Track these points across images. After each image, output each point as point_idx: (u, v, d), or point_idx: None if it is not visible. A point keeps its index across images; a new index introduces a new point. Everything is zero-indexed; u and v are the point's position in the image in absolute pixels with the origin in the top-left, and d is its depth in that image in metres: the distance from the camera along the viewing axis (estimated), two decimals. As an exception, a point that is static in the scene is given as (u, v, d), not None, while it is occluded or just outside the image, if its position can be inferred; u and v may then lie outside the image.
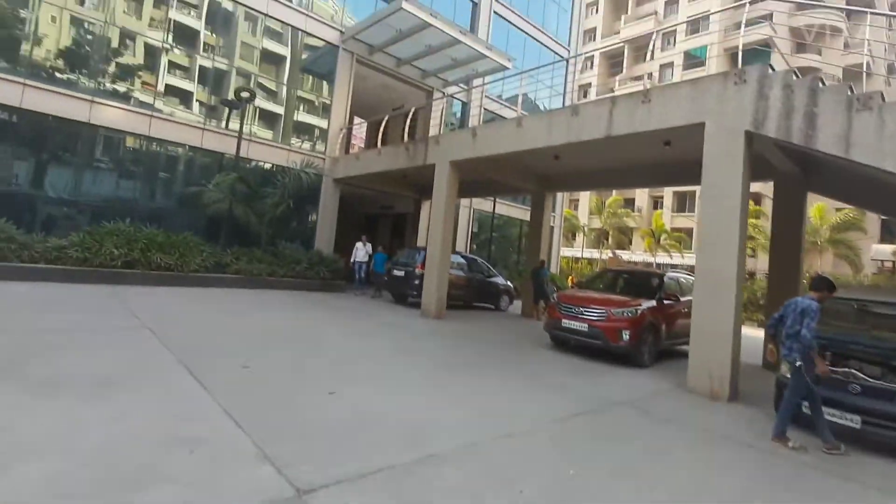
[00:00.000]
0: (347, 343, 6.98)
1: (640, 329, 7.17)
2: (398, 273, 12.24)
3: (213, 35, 13.13)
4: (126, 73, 11.85)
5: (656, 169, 10.43)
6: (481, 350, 7.65)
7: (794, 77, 6.11)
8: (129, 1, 11.76)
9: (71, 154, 11.06)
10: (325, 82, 15.36)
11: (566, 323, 7.64)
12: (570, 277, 17.36)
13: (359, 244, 13.27)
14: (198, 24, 12.85)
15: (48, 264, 9.30)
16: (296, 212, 13.88)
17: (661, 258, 27.85)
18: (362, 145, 15.75)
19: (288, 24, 14.18)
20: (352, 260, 13.25)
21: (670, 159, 9.52)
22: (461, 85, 18.28)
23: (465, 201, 18.79)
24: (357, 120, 15.57)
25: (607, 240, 31.83)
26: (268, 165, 13.93)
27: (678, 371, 7.01)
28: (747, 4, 8.78)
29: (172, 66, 12.53)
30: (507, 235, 22.13)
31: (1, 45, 10.23)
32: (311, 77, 15.36)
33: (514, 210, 21.08)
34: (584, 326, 7.39)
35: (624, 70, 40.66)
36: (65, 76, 10.94)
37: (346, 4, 15.44)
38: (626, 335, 7.11)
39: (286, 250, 12.96)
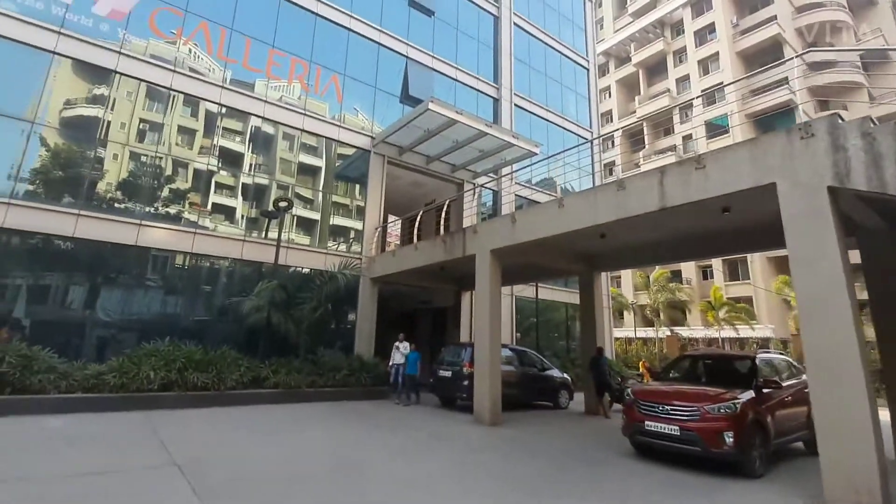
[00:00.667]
0: (393, 468, 6.00)
1: (744, 428, 5.90)
2: (444, 373, 11.31)
3: (255, 154, 13.93)
4: (176, 196, 12.48)
5: (713, 238, 9.62)
6: (553, 464, 6.46)
7: (872, 124, 5.49)
8: (182, 133, 12.76)
9: (115, 277, 11.29)
10: (358, 185, 15.83)
11: (651, 426, 6.44)
12: (641, 363, 15.74)
13: (396, 344, 12.31)
14: (241, 147, 13.72)
15: (85, 393, 8.98)
16: (334, 315, 13.51)
17: (726, 332, 25.52)
18: (398, 243, 15.73)
19: (322, 136, 15.01)
20: (390, 364, 12.18)
21: (729, 227, 8.75)
22: (491, 175, 18.56)
23: (505, 289, 18.08)
24: (391, 218, 15.74)
25: (658, 316, 29.82)
26: (306, 270, 13.90)
27: (804, 479, 5.62)
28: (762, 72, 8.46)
29: (218, 185, 13.19)
30: (552, 320, 20.95)
31: (66, 182, 11.01)
32: (345, 182, 15.90)
33: (558, 293, 20.15)
34: (673, 429, 6.17)
35: (646, 145, 41.27)
36: (117, 204, 11.56)
37: (374, 114, 16.38)
38: (728, 437, 5.84)
39: (325, 357, 12.37)
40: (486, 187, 18.73)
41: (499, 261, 10.05)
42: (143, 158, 12.11)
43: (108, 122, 11.60)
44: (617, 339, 26.90)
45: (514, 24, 21.76)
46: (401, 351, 11.83)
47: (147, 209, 11.81)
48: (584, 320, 12.65)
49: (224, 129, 13.37)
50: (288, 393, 11.09)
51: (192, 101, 12.86)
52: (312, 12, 15.49)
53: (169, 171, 12.45)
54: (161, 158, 12.28)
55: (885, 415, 10.13)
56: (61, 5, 11.14)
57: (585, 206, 8.28)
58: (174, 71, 12.45)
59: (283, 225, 13.24)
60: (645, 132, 42.60)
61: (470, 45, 20.14)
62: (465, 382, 10.56)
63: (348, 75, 15.94)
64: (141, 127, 12.15)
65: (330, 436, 7.80)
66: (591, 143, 21.22)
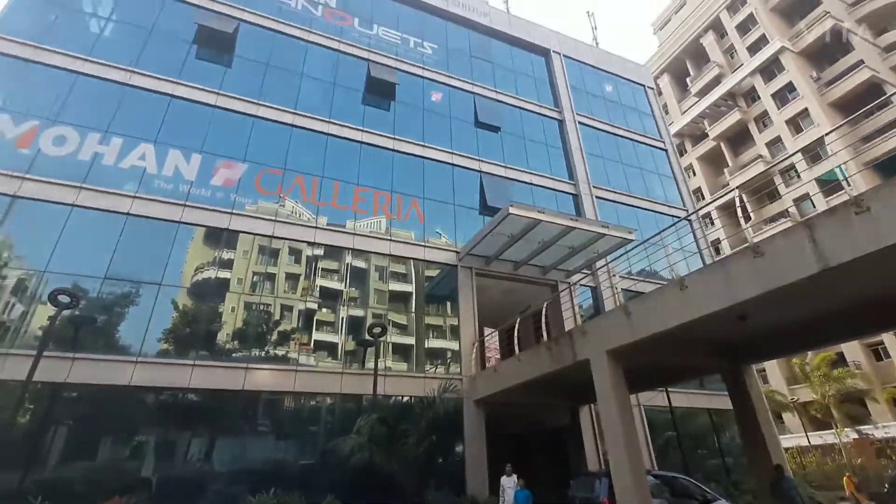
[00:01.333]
0: None
1: None
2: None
3: (350, 289, 14.32)
4: (281, 338, 12.86)
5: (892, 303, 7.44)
6: None
7: None
8: (288, 280, 13.63)
9: (224, 425, 11.29)
10: (449, 302, 15.45)
11: None
12: (846, 479, 11.86)
13: (504, 480, 10.28)
14: (338, 283, 14.23)
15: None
16: (439, 447, 12.19)
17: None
18: (498, 356, 14.57)
19: (409, 259, 15.26)
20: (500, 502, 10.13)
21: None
22: (584, 271, 17.36)
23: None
24: (487, 330, 14.85)
25: (832, 415, 23.62)
26: (405, 399, 13.09)
27: None
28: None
29: (319, 323, 13.52)
30: (693, 433, 17.31)
31: (188, 337, 11.83)
32: (436, 302, 15.63)
33: (696, 398, 16.96)
34: None
35: (751, 216, 37.62)
36: (229, 352, 12.06)
37: (456, 231, 16.56)
38: None
39: (434, 501, 10.82)
40: (582, 285, 17.42)
41: (619, 363, 8.53)
42: (254, 307, 12.87)
43: (227, 280, 12.76)
44: (786, 449, 21.52)
45: (579, 122, 22.17)
46: (507, 488, 9.96)
47: (255, 352, 12.20)
48: (744, 430, 10.03)
49: (322, 269, 14.13)
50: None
51: (295, 250, 13.95)
52: (390, 150, 16.95)
53: (277, 315, 13.06)
54: (269, 305, 13.01)
55: None
56: (186, 183, 13.18)
57: (715, 284, 6.88)
58: (276, 220, 13.76)
59: (380, 353, 12.89)
60: (744, 204, 39.17)
61: (539, 150, 20.58)
62: (610, 523, 8.41)
63: (427, 198, 16.65)
64: (254, 279, 13.19)
65: None
66: (689, 218, 19.50)
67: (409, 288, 15.26)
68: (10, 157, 11.77)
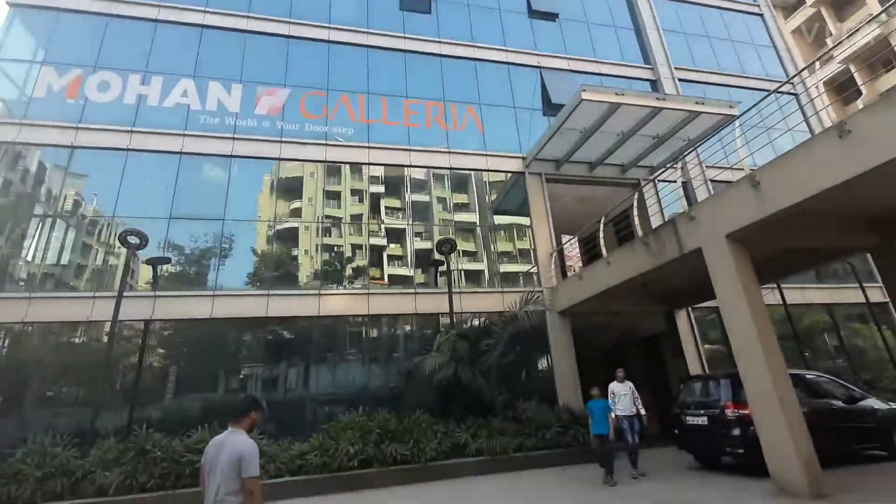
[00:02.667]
0: None
1: None
2: (695, 421, 8.21)
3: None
4: (355, 273, 12.44)
5: None
6: None
7: None
8: (354, 223, 12.96)
9: (303, 351, 11.27)
10: (521, 216, 14.20)
11: None
12: None
13: (615, 386, 8.65)
14: (403, 223, 13.36)
15: (292, 476, 8.51)
16: (524, 360, 11.60)
17: None
18: (579, 265, 13.34)
19: (472, 170, 14.02)
20: (612, 414, 8.15)
21: None
22: (671, 166, 15.20)
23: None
24: (564, 238, 13.57)
25: None
26: (483, 316, 12.45)
27: None
28: None
29: (390, 258, 12.95)
30: (810, 333, 15.40)
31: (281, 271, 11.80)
32: (507, 215, 14.44)
33: (812, 293, 14.92)
34: None
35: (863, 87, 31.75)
36: (304, 283, 11.87)
37: (520, 135, 14.89)
38: None
39: (528, 413, 10.32)
40: (668, 180, 15.34)
41: (743, 249, 7.02)
42: (324, 247, 12.45)
43: (296, 222, 12.46)
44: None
45: (653, -6, 18.77)
46: (621, 395, 8.46)
47: (330, 284, 11.94)
48: None
49: (386, 207, 13.31)
50: (494, 461, 9.28)
51: (357, 191, 13.19)
52: (436, 55, 15.25)
53: (347, 253, 12.61)
54: (340, 246, 12.59)
55: None
56: (231, 115, 12.57)
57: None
58: (326, 144, 12.94)
59: (452, 270, 12.15)
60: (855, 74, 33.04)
61: (607, 35, 17.79)
62: (737, 431, 7.34)
63: (484, 103, 14.98)
64: (321, 221, 12.67)
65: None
66: (795, 84, 16.28)
67: (475, 207, 14.15)
68: (63, 109, 11.66)
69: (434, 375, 10.15)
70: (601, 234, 10.62)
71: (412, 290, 12.19)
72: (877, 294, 15.15)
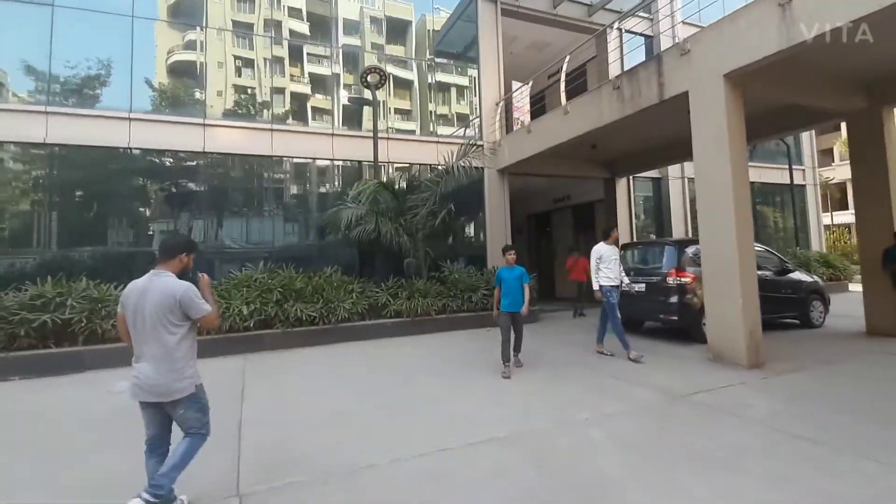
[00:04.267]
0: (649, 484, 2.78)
1: None
2: (632, 288, 7.72)
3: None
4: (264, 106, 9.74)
5: None
6: None
7: None
8: (266, 36, 9.70)
9: (184, 194, 9.12)
10: (467, 60, 11.80)
11: None
12: None
13: (603, 248, 6.36)
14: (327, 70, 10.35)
15: (174, 337, 7.10)
16: (456, 219, 10.43)
17: None
18: (527, 120, 11.69)
19: (412, -17, 11.04)
20: (597, 283, 6.34)
21: None
22: (641, 14, 13.16)
23: (673, 170, 13.41)
24: (515, 85, 11.64)
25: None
26: (415, 168, 10.79)
27: None
28: None
29: (317, 112, 10.20)
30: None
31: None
32: (451, 50, 11.94)
33: (759, 171, 14.78)
34: None
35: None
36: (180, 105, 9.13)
37: (476, -55, 11.71)
38: None
39: (455, 275, 9.45)
40: (634, 32, 13.40)
41: (738, 97, 5.70)
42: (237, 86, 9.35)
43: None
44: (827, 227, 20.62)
45: None
46: (612, 259, 6.30)
47: (219, 108, 9.28)
48: (862, 189, 7.69)
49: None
50: (415, 323, 8.50)
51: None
52: None
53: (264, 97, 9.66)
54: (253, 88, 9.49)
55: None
56: None
57: None
58: None
59: (380, 110, 9.98)
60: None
61: None
62: (674, 298, 6.92)
63: None
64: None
65: (494, 392, 4.82)
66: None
67: (412, 27, 11.43)
68: None
69: (351, 230, 8.69)
70: (563, 75, 8.83)
71: (329, 131, 10.00)
72: (798, 176, 15.50)
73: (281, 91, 9.94)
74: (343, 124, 10.36)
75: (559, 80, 13.89)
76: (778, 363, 5.67)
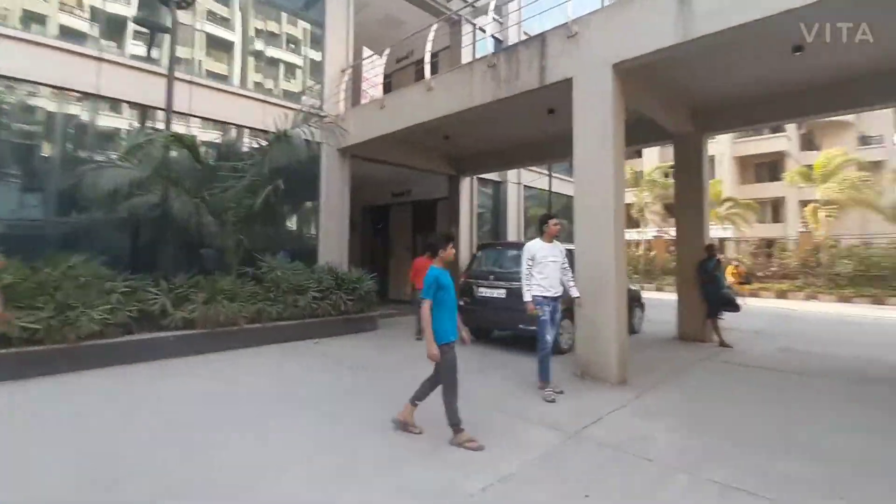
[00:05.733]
0: None
1: None
2: (489, 293, 6.92)
3: None
4: None
5: None
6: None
7: None
8: None
9: None
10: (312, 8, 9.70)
11: None
12: (733, 268, 12.30)
13: (537, 246, 4.78)
14: None
15: None
16: (283, 204, 8.36)
17: (718, 231, 22.96)
18: (375, 97, 10.11)
19: None
20: (528, 294, 4.71)
21: None
22: (494, 16, 12.95)
23: (511, 174, 13.55)
24: (366, 52, 9.98)
25: (643, 215, 26.67)
26: (232, 130, 8.26)
27: None
28: None
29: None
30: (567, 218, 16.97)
31: None
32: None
33: (569, 186, 15.98)
34: None
35: None
36: None
37: None
38: None
39: (278, 271, 7.37)
40: (484, 31, 13.15)
41: (622, 91, 5.28)
42: None
43: None
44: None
45: None
46: (550, 261, 4.74)
47: None
48: (683, 207, 8.39)
49: None
50: (212, 336, 6.20)
51: None
52: None
53: None
54: None
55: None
56: None
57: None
58: None
59: (186, 41, 7.21)
60: None
61: None
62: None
63: None
64: None
65: (328, 441, 3.23)
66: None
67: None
68: None
69: (121, 201, 5.90)
70: (429, 45, 7.59)
71: (94, 53, 6.80)
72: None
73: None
74: (122, 48, 7.22)
75: (408, 65, 12.82)
76: (636, 376, 5.40)
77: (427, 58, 7.43)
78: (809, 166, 22.93)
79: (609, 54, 5.13)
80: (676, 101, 7.27)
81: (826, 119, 28.24)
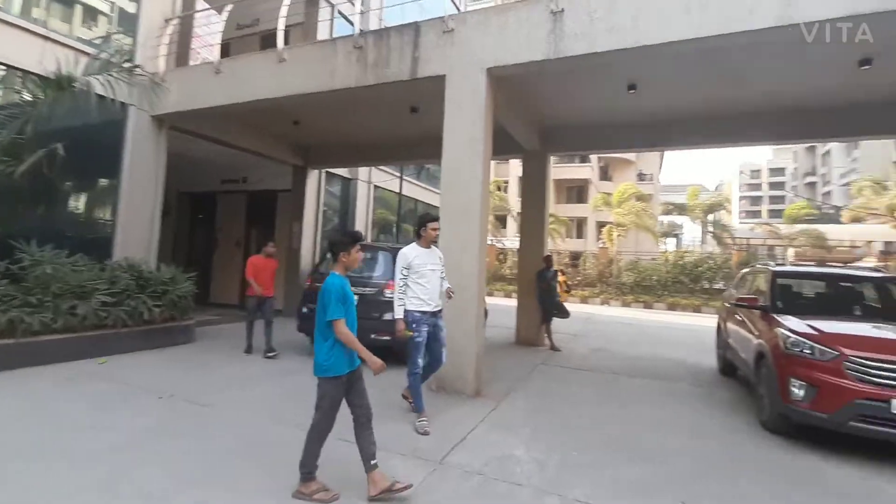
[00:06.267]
0: None
1: None
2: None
3: None
4: None
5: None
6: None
7: None
8: None
9: None
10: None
11: (903, 407, 3.49)
12: (563, 277, 13.09)
13: (414, 251, 4.22)
14: None
15: None
16: (66, 177, 6.32)
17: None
18: (210, 60, 8.28)
19: None
20: (400, 309, 4.12)
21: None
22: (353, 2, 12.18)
23: (363, 171, 12.88)
24: (200, 4, 8.15)
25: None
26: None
27: None
28: None
29: None
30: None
31: None
32: None
33: (427, 194, 16.04)
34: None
35: None
36: None
37: None
38: None
39: (48, 267, 5.45)
40: (344, 16, 12.29)
41: (494, 97, 5.22)
42: None
43: None
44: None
45: None
46: (429, 269, 4.22)
47: None
48: (527, 220, 8.89)
49: None
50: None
51: None
52: None
53: None
54: None
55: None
56: None
57: None
58: None
59: None
60: None
61: None
62: (389, 316, 5.81)
63: None
64: None
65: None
66: None
67: None
68: None
69: None
70: (284, 8, 6.50)
71: None
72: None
73: None
74: None
75: (252, 34, 11.19)
76: (487, 385, 5.37)
77: (281, 24, 6.37)
78: (609, 193, 27.59)
79: (485, 57, 5.02)
80: (531, 117, 7.68)
81: (618, 156, 34.65)
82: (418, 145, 8.86)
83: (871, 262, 21.93)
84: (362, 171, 12.73)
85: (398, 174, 13.75)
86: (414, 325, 4.02)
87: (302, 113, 7.92)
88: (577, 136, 8.26)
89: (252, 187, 11.61)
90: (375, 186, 13.27)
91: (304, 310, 6.54)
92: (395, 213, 14.48)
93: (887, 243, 26.20)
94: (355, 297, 6.00)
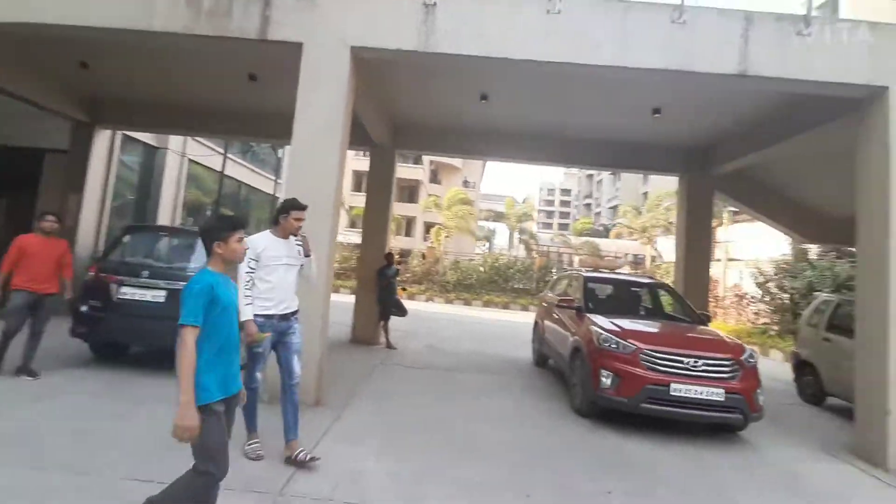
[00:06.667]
0: None
1: (757, 382, 4.75)
2: (139, 296, 4.98)
3: None
4: None
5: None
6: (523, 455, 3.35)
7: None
8: None
9: None
10: None
11: (678, 390, 4.34)
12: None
13: (266, 240, 3.33)
14: None
15: None
16: None
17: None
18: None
19: None
20: (248, 311, 3.16)
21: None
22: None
23: (174, 141, 10.77)
24: None
25: None
26: None
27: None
28: None
29: None
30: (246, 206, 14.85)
31: None
32: None
33: (255, 177, 14.26)
34: (716, 393, 4.34)
35: None
36: None
37: None
38: (760, 397, 4.61)
39: None
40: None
41: (356, 76, 4.83)
42: None
43: None
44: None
45: None
46: (275, 264, 3.30)
47: None
48: (372, 211, 8.59)
49: None
50: None
51: None
52: None
53: None
54: None
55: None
56: None
57: None
58: None
59: None
60: None
61: None
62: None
63: None
64: None
65: None
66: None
67: None
68: None
69: None
70: None
71: None
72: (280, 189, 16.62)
73: None
74: None
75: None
76: (326, 390, 4.96)
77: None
78: (438, 196, 29.09)
79: (349, 34, 4.61)
80: (386, 110, 7.46)
81: (447, 161, 36.86)
82: (254, 120, 7.81)
83: (626, 269, 28.00)
84: (174, 141, 10.67)
85: (221, 150, 11.96)
86: (265, 328, 3.24)
87: (96, 53, 6.17)
88: (426, 137, 8.37)
89: (7, 142, 8.64)
90: (191, 161, 11.28)
91: (84, 308, 5.06)
92: (213, 194, 12.55)
93: (636, 255, 34.00)
94: (163, 294, 4.98)
